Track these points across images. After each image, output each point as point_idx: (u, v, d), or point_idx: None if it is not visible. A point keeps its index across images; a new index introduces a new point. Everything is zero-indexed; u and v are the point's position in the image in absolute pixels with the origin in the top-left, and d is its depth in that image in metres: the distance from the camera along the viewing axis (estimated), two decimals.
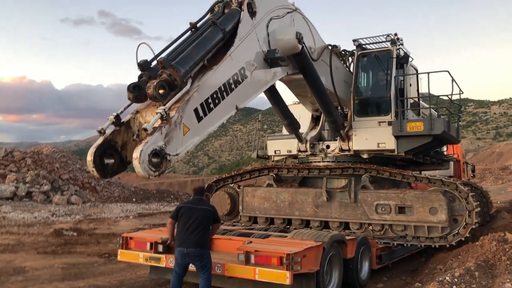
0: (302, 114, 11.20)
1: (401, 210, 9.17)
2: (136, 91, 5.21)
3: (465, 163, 18.70)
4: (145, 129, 4.86)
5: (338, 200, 9.82)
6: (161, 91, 5.06)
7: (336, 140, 10.57)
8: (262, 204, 10.61)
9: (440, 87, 11.14)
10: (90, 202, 27.34)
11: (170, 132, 5.04)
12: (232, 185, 11.49)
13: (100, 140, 5.13)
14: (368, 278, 8.31)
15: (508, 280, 6.18)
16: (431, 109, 9.67)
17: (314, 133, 11.17)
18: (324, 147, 10.84)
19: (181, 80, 5.35)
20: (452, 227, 8.82)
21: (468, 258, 7.51)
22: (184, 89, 5.38)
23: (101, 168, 5.02)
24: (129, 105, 5.56)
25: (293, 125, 10.12)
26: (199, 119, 5.55)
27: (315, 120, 11.54)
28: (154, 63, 5.50)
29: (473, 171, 19.42)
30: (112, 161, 5.18)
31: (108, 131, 5.16)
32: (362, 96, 10.47)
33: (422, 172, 10.95)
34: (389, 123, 9.76)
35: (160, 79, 5.16)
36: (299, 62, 8.08)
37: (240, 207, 10.92)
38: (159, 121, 4.98)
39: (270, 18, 7.19)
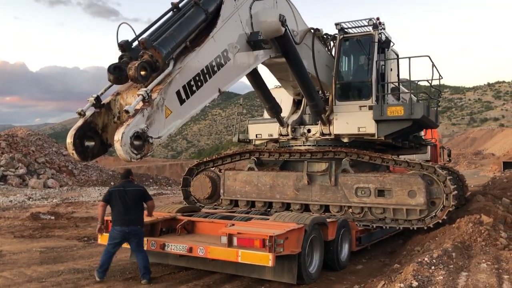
0: (284, 98, 11.21)
1: (380, 193, 9.30)
2: (117, 73, 5.15)
3: (442, 148, 19.06)
4: (127, 111, 4.82)
5: (319, 184, 9.90)
6: (142, 73, 4.96)
7: (317, 124, 10.61)
8: (243, 187, 10.63)
9: (419, 72, 11.27)
10: (68, 185, 26.97)
11: (152, 114, 4.99)
12: (213, 168, 11.48)
13: (80, 122, 5.04)
14: (348, 259, 8.45)
15: (483, 261, 6.36)
16: (411, 94, 9.74)
17: (295, 117, 11.20)
18: (305, 131, 10.87)
19: (163, 62, 5.29)
20: (430, 210, 9.00)
21: (445, 240, 7.69)
22: (166, 71, 5.34)
23: (81, 150, 4.97)
24: (109, 87, 5.50)
25: (275, 109, 10.12)
26: (182, 101, 5.51)
27: (296, 104, 11.57)
28: (135, 44, 5.43)
29: (449, 155, 19.78)
30: (92, 143, 5.10)
31: (88, 113, 5.08)
32: (343, 80, 10.49)
33: (401, 156, 11.12)
34: (370, 108, 9.82)
35: (141, 60, 5.10)
36: (282, 45, 8.05)
37: (221, 191, 10.92)
38: (141, 103, 4.95)
39: (253, 0, 7.13)
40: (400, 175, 9.26)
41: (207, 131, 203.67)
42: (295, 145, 11.05)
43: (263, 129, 11.55)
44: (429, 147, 14.38)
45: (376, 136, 9.81)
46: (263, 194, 10.43)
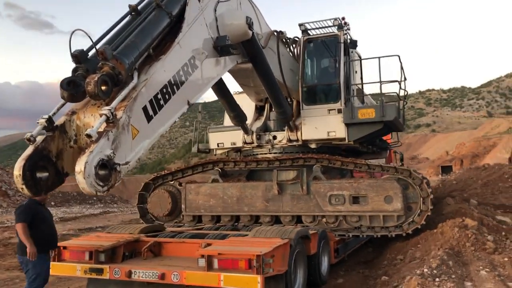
0: (245, 105, 10.55)
1: (355, 200, 8.83)
2: (72, 88, 4.32)
3: (395, 152, 19.13)
4: (88, 135, 4.02)
5: (290, 193, 9.28)
6: (103, 88, 4.22)
7: (283, 130, 10.06)
8: (207, 201, 9.81)
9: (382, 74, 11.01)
10: (1, 208, 24.69)
11: (117, 136, 4.25)
12: (172, 182, 10.55)
13: (29, 150, 4.21)
14: (328, 273, 7.87)
15: (480, 267, 5.99)
16: (369, 97, 9.40)
17: (259, 123, 10.58)
18: (271, 138, 10.27)
19: (127, 74, 4.53)
20: (407, 215, 8.63)
21: (430, 247, 7.30)
22: (131, 84, 4.59)
23: (33, 184, 4.13)
24: (62, 105, 4.63)
25: (239, 118, 9.47)
26: (149, 118, 4.79)
27: (259, 110, 10.97)
28: (92, 53, 4.62)
29: (401, 160, 19.90)
30: (46, 174, 4.28)
31: (39, 138, 4.28)
32: (310, 83, 10.00)
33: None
34: (339, 111, 9.39)
35: (101, 73, 4.28)
36: (249, 50, 7.43)
37: (183, 206, 10.02)
38: (104, 125, 4.17)
39: (217, 1, 6.46)
40: (375, 180, 8.84)
41: None
42: (260, 153, 10.41)
43: (225, 138, 10.82)
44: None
45: (346, 140, 9.37)
46: (230, 207, 9.66)
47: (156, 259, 6.52)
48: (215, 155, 11.34)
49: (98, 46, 4.58)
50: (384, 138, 13.83)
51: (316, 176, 9.22)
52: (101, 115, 4.15)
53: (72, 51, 4.37)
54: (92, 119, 4.37)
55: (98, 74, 4.23)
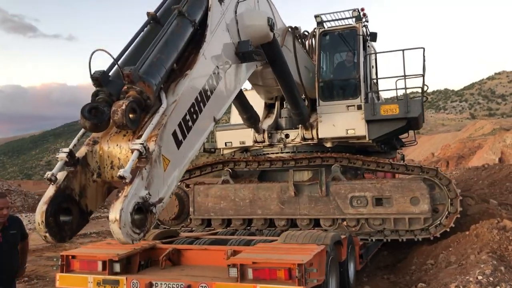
0: (253, 102, 9.96)
1: (378, 202, 8.30)
2: (95, 117, 3.71)
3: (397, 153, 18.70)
4: (122, 177, 3.46)
5: (307, 195, 8.71)
6: (131, 116, 3.69)
7: (296, 128, 9.49)
8: (217, 204, 9.18)
9: (394, 69, 10.50)
10: None
11: (150, 172, 3.71)
12: (178, 184, 9.87)
13: (51, 191, 3.64)
14: (355, 280, 7.30)
15: None
16: (406, 91, 8.86)
17: (269, 121, 9.97)
18: (283, 136, 9.69)
19: (154, 97, 3.98)
20: (433, 218, 8.13)
21: (466, 250, 6.78)
22: (161, 110, 4.00)
23: (57, 230, 3.59)
24: (82, 135, 4.09)
25: (253, 119, 8.90)
26: (179, 144, 4.22)
27: (268, 107, 10.37)
28: (112, 72, 4.06)
29: (402, 159, 19.49)
30: (69, 218, 3.72)
31: (60, 176, 3.72)
32: (327, 78, 9.44)
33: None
34: (359, 107, 8.85)
35: (129, 100, 3.72)
36: (269, 52, 6.79)
37: (191, 209, 9.38)
38: (136, 161, 3.62)
39: (237, 1, 5.82)
40: (400, 181, 8.32)
41: None
42: (271, 153, 9.82)
43: (233, 136, 10.20)
44: None
45: (367, 139, 8.82)
46: (242, 210, 9.05)
47: (176, 268, 5.86)
48: (222, 154, 10.73)
49: (120, 64, 4.03)
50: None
51: (335, 176, 8.67)
52: (132, 151, 3.61)
53: (92, 73, 3.79)
54: (118, 150, 3.85)
55: (125, 101, 3.69)
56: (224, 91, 5.31)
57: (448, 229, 7.98)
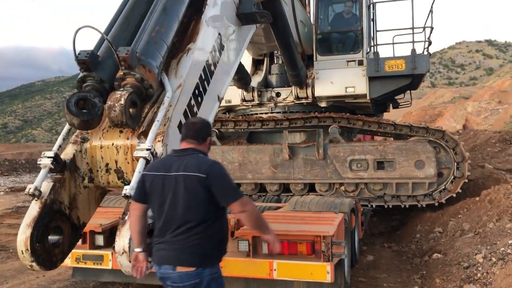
0: None
1: (380, 165, 7.68)
2: (85, 113, 2.87)
3: None
4: (127, 196, 2.76)
5: (302, 158, 7.98)
6: (131, 111, 2.93)
7: (288, 86, 8.67)
8: None
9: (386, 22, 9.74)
10: None
11: None
12: None
13: (35, 209, 2.84)
14: (359, 250, 6.73)
15: None
16: (413, 44, 8.09)
17: (258, 78, 9.10)
18: (273, 95, 8.87)
19: (157, 84, 3.17)
20: (437, 183, 7.61)
21: (481, 218, 6.27)
22: (167, 100, 3.15)
23: (45, 256, 2.84)
24: (67, 132, 3.24)
25: (244, 80, 8.12)
26: None
27: (256, 63, 9.47)
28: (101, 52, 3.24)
29: None
30: (59, 237, 2.97)
31: (46, 189, 2.90)
32: (325, 30, 8.57)
33: None
34: (360, 62, 8.09)
35: (128, 91, 2.92)
36: (270, 11, 5.82)
37: None
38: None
39: None
40: (404, 143, 7.68)
41: None
42: (259, 113, 9.00)
43: None
44: None
45: (367, 97, 8.11)
46: (230, 174, 8.13)
47: None
48: None
49: (107, 42, 3.13)
50: None
51: (333, 138, 7.96)
52: (136, 159, 2.85)
53: (77, 55, 2.93)
54: (114, 150, 3.08)
55: (123, 92, 2.89)
56: (228, 63, 4.40)
57: (454, 195, 7.48)
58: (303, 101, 8.60)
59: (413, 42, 7.99)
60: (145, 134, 3.08)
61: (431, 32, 8.17)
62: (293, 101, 8.70)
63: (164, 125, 3.11)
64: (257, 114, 8.99)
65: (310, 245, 3.99)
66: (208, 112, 3.89)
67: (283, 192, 8.12)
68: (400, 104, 10.65)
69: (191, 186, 2.63)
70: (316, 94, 8.29)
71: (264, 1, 5.47)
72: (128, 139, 3.11)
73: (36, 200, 2.88)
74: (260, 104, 8.91)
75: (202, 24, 3.78)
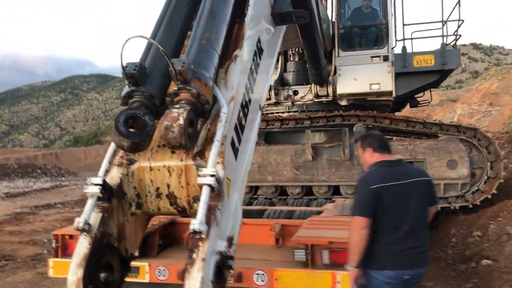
0: None
1: None
2: (137, 134, 2.43)
3: None
4: (196, 232, 2.19)
5: (327, 158, 7.56)
6: (189, 130, 2.50)
7: (307, 84, 8.29)
8: None
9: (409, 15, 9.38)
10: None
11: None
12: None
13: (85, 246, 2.43)
14: None
15: None
16: (443, 39, 7.73)
17: (274, 77, 8.68)
18: (291, 93, 8.46)
19: (212, 98, 2.75)
20: (470, 183, 7.24)
21: None
22: (223, 117, 2.65)
23: None
24: (113, 153, 2.75)
25: None
26: (236, 153, 2.86)
27: None
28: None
29: None
30: (109, 274, 2.57)
31: (94, 221, 2.49)
32: (348, 24, 8.18)
33: None
34: (385, 58, 7.70)
35: (185, 108, 2.49)
36: (302, 8, 5.37)
37: None
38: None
39: None
40: (435, 142, 7.31)
41: (82, 117, 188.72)
42: (275, 112, 8.60)
43: None
44: None
45: (393, 95, 7.73)
46: (249, 176, 7.79)
47: None
48: None
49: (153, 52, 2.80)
50: None
51: (358, 138, 7.54)
52: (200, 186, 2.38)
53: (124, 67, 2.52)
54: (166, 173, 2.64)
55: (181, 110, 2.47)
56: (266, 68, 3.90)
57: (489, 196, 7.12)
58: (323, 99, 8.23)
59: (443, 36, 7.63)
60: (200, 154, 2.66)
61: (459, 26, 7.81)
62: (312, 100, 8.33)
63: (222, 144, 2.68)
64: (273, 113, 8.59)
65: None
66: (253, 123, 3.44)
67: (305, 195, 7.71)
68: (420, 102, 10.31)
69: (425, 190, 3.18)
70: (338, 91, 7.90)
71: None
72: (182, 160, 2.64)
73: (85, 235, 2.45)
74: (277, 103, 8.53)
75: (246, 28, 3.33)
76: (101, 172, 2.60)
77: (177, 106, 2.51)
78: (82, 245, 2.42)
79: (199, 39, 2.85)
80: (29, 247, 7.94)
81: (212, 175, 2.38)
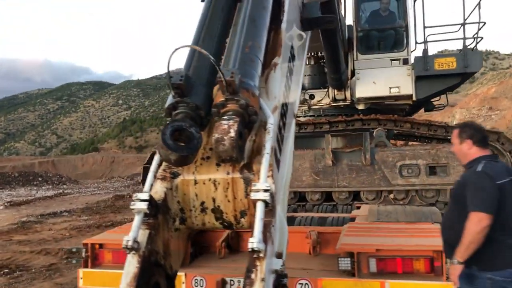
0: None
1: (432, 170, 7.16)
2: (185, 147, 2.33)
3: None
4: (255, 250, 2.18)
5: (347, 164, 7.40)
6: (239, 143, 2.44)
7: (324, 88, 8.17)
8: None
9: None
10: None
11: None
12: None
13: (134, 265, 2.30)
14: None
15: None
16: (465, 41, 7.62)
17: None
18: (307, 97, 8.34)
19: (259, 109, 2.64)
20: None
21: None
22: (271, 128, 2.59)
23: None
24: (158, 167, 2.68)
25: None
26: (278, 164, 2.77)
27: None
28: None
29: None
30: None
31: (142, 238, 2.38)
32: (367, 27, 8.07)
33: None
34: (404, 61, 7.61)
35: (234, 120, 2.41)
36: (327, 12, 5.24)
37: None
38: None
39: None
40: None
41: (79, 124, 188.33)
42: None
43: None
44: None
45: (414, 98, 7.63)
46: None
47: (240, 257, 4.43)
48: None
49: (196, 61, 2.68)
50: None
51: (379, 142, 7.43)
52: (254, 202, 2.26)
53: (171, 78, 2.41)
54: (211, 187, 2.52)
55: (231, 122, 2.37)
56: (298, 74, 3.76)
57: None
58: (341, 103, 8.13)
59: (464, 38, 7.52)
60: (247, 167, 2.52)
61: (480, 28, 7.71)
62: (329, 103, 8.22)
63: (271, 156, 2.54)
64: None
65: (429, 262, 3.40)
66: (289, 134, 3.30)
67: (324, 201, 7.57)
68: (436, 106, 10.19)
69: None
70: (357, 95, 7.77)
71: (323, 1, 4.90)
72: (228, 173, 2.50)
73: (133, 254, 2.30)
74: None
75: (283, 34, 3.20)
76: (147, 187, 2.44)
77: (226, 118, 2.37)
78: (131, 265, 2.27)
79: (243, 47, 2.71)
80: (41, 257, 7.74)
81: (266, 190, 2.25)
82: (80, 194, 19.48)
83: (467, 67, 7.24)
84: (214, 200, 2.51)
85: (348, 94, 7.92)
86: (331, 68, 7.18)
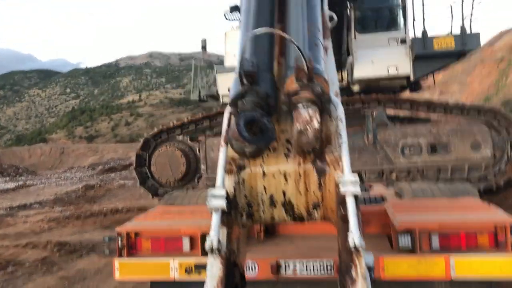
0: None
1: (433, 149, 7.23)
2: (260, 138, 2.16)
3: None
4: (357, 249, 2.09)
5: (349, 144, 7.35)
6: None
7: None
8: None
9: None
10: None
11: None
12: (181, 137, 7.97)
13: (218, 267, 2.20)
14: None
15: None
16: (463, 20, 7.69)
17: None
18: None
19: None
20: (492, 165, 7.28)
21: None
22: (342, 114, 2.53)
23: None
24: (225, 159, 2.48)
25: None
26: None
27: None
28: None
29: None
30: None
31: (222, 237, 2.28)
32: (365, 5, 7.98)
33: None
34: (402, 41, 7.61)
35: (315, 110, 2.27)
36: None
37: (202, 167, 7.62)
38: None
39: None
40: (458, 123, 7.28)
41: (24, 114, 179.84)
42: None
43: None
44: None
45: (411, 78, 7.66)
46: None
47: (280, 240, 4.25)
48: (223, 103, 8.96)
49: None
50: None
51: (380, 122, 7.41)
52: (342, 195, 2.22)
53: (244, 65, 2.23)
54: (281, 180, 2.38)
55: (310, 110, 2.21)
56: (330, 54, 3.64)
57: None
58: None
59: (462, 18, 7.59)
60: (319, 157, 2.35)
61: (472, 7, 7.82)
62: None
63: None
64: None
65: (493, 236, 3.36)
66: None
67: None
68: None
69: None
70: (355, 75, 7.70)
71: None
72: (299, 164, 2.33)
73: (215, 255, 2.08)
74: None
75: (326, 15, 3.08)
76: (220, 181, 2.23)
77: (302, 106, 2.19)
78: (215, 267, 2.12)
79: (306, 31, 2.56)
80: (29, 251, 7.22)
81: (355, 182, 2.15)
82: (44, 185, 18.53)
83: (465, 45, 7.32)
84: (284, 193, 2.36)
85: (345, 75, 7.85)
86: (333, 50, 7.07)
